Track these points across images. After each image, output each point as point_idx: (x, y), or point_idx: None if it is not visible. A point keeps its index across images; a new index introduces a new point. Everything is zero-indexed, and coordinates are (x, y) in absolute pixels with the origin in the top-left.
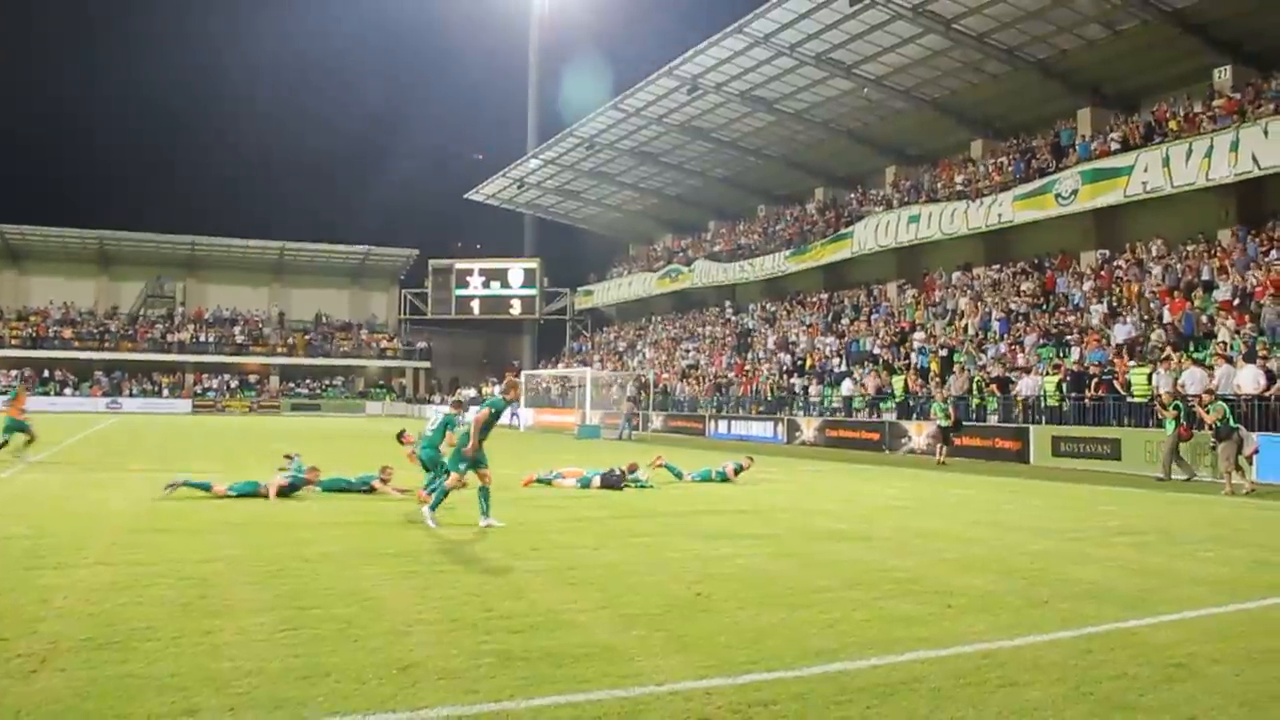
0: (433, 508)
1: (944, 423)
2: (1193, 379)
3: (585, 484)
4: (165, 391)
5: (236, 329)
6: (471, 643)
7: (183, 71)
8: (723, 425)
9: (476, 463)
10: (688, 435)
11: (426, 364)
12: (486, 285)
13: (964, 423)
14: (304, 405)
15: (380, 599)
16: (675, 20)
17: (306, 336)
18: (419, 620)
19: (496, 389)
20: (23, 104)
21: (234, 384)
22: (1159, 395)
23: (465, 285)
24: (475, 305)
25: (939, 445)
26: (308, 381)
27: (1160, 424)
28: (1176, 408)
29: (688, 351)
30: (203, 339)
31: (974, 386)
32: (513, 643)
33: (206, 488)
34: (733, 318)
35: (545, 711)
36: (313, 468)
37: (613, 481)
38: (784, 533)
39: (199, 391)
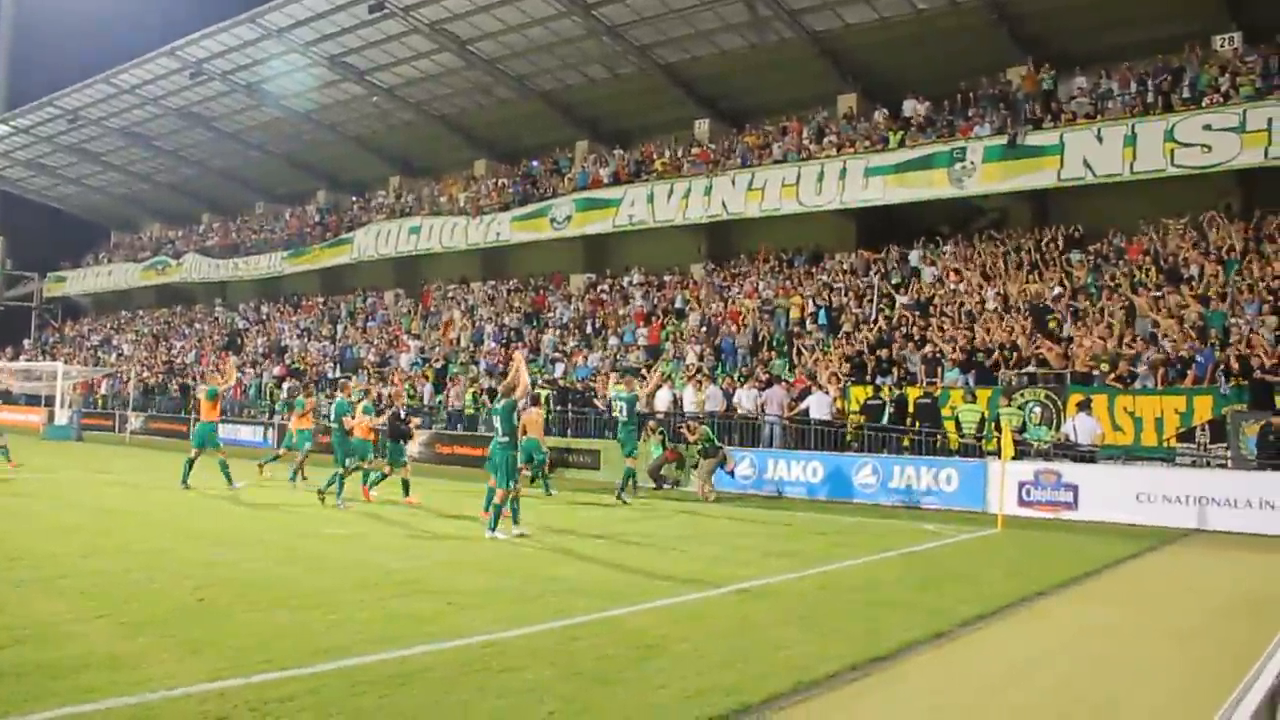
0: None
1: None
2: (714, 398)
3: None
4: None
5: None
6: None
7: None
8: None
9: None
10: (168, 438)
11: None
12: None
13: (453, 433)
14: None
15: None
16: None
17: None
18: None
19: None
20: None
21: None
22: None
23: None
24: None
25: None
26: None
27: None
28: (662, 432)
29: (174, 348)
30: None
31: (471, 397)
32: (1, 659)
33: None
34: (223, 316)
35: None
36: None
37: None
38: (286, 538)
39: None
